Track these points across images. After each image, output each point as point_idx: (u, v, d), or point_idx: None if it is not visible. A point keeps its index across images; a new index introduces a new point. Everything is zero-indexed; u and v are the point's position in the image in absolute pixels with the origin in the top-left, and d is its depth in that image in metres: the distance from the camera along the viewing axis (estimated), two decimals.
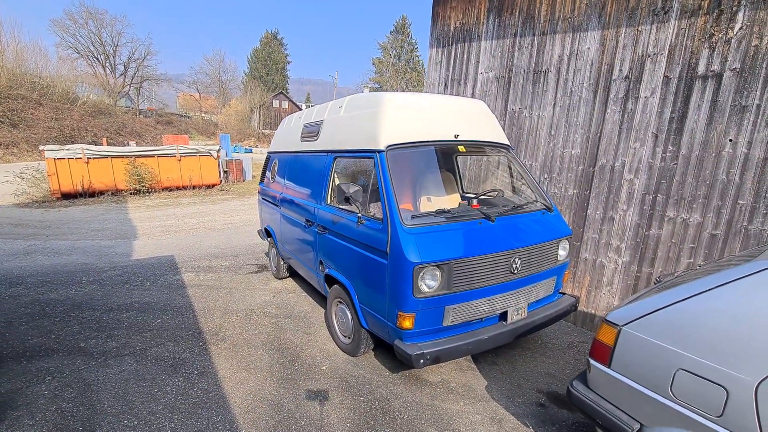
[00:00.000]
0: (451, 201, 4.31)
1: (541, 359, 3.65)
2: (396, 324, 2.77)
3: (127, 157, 13.56)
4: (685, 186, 3.55)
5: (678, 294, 1.84)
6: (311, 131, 4.35)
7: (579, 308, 4.31)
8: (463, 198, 4.46)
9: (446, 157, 4.48)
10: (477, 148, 3.67)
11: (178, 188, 14.89)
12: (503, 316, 3.10)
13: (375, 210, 3.18)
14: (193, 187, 15.12)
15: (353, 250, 3.23)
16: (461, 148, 3.45)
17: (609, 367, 2.02)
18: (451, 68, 5.66)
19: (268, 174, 5.79)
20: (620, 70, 3.90)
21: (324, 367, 3.40)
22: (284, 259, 5.37)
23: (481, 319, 3.00)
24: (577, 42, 4.21)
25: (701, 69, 3.40)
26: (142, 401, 2.89)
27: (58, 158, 12.35)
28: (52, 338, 3.98)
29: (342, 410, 2.87)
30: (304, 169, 4.43)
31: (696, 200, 3.50)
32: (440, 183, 4.34)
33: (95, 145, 15.75)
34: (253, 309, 4.68)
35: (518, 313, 3.12)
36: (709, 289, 1.74)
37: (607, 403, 2.04)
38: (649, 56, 3.71)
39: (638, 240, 3.87)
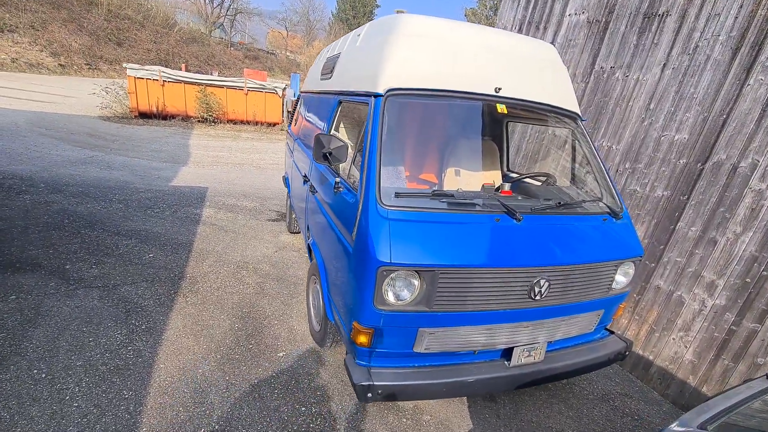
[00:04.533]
0: (488, 178, 3.34)
1: (559, 408, 2.73)
2: (349, 336, 2.05)
3: (198, 84, 13.79)
4: None
5: None
6: (329, 66, 3.53)
7: (633, 349, 3.22)
8: (506, 178, 3.45)
9: (492, 119, 3.42)
10: (528, 111, 2.60)
11: (242, 122, 15.02)
12: (507, 352, 2.22)
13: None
14: (256, 123, 15.16)
15: (327, 224, 2.49)
16: (501, 108, 2.41)
17: None
18: (531, 7, 4.35)
19: (296, 116, 5.15)
20: None
21: (280, 354, 2.85)
22: (293, 212, 4.84)
23: (474, 351, 2.15)
24: None
25: None
26: (68, 350, 2.57)
27: (138, 77, 12.92)
28: (49, 252, 3.93)
29: (272, 422, 2.29)
30: (314, 113, 3.68)
31: None
32: (478, 153, 3.34)
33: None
34: (247, 262, 4.26)
35: (530, 354, 2.19)
36: None
37: None
38: None
39: (748, 280, 2.63)
